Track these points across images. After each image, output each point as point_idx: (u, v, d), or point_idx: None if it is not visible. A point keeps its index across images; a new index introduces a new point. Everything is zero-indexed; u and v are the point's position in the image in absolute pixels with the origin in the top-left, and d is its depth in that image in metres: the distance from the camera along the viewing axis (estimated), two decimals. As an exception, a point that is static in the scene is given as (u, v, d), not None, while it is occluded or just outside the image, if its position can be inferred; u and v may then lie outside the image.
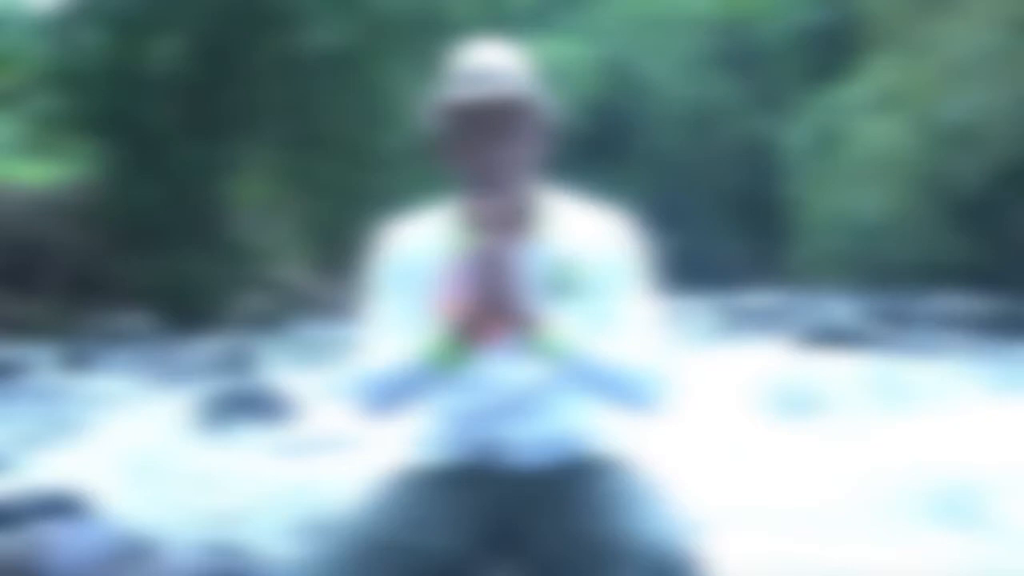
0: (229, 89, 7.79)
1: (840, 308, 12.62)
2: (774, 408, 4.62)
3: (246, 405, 4.01)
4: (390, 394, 1.54)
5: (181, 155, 7.19)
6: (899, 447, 3.68)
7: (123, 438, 3.67)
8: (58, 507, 2.56)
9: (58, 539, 2.09)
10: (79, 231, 7.92)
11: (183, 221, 7.40)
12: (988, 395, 4.87)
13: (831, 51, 16.67)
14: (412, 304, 1.61)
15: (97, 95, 6.92)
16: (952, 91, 10.02)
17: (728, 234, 23.37)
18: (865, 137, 12.63)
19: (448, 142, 1.58)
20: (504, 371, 1.56)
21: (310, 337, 8.66)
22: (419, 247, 1.63)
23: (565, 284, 1.57)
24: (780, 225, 18.14)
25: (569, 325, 1.49)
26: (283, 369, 5.59)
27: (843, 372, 5.51)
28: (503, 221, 1.45)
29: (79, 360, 5.45)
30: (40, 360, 5.62)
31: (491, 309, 1.45)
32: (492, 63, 1.53)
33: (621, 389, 1.50)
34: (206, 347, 5.33)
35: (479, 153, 1.51)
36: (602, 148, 22.03)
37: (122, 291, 7.28)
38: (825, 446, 3.74)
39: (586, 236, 1.60)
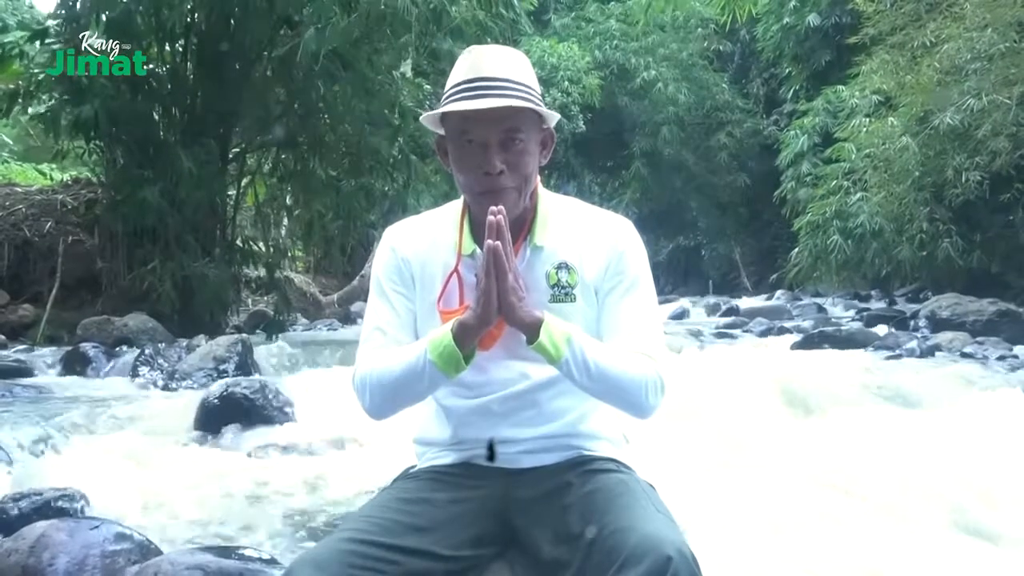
0: (228, 89, 7.77)
1: (840, 309, 12.65)
2: (774, 408, 4.62)
3: (244, 405, 4.01)
4: (390, 393, 1.54)
5: (180, 155, 7.18)
6: (899, 447, 3.68)
7: (122, 438, 3.66)
8: (58, 507, 2.56)
9: (57, 538, 2.09)
10: (79, 231, 7.92)
11: (183, 221, 7.38)
12: (988, 395, 4.87)
13: (828, 51, 16.67)
14: (412, 305, 1.62)
15: (97, 95, 6.90)
16: (952, 91, 10.02)
17: (728, 234, 23.36)
18: (862, 138, 12.63)
19: (449, 146, 1.58)
20: (504, 370, 1.57)
21: (308, 337, 8.66)
22: (420, 249, 1.63)
23: (565, 285, 1.58)
24: (778, 225, 18.14)
25: (569, 326, 1.49)
26: (281, 369, 5.58)
27: (843, 372, 5.52)
28: (505, 224, 1.45)
29: (79, 360, 5.45)
30: (39, 361, 5.62)
31: (490, 309, 1.45)
32: (492, 73, 1.53)
33: (621, 389, 1.51)
34: (206, 347, 5.32)
35: (480, 155, 1.52)
36: (602, 148, 22.03)
37: (122, 291, 7.28)
38: (825, 446, 3.74)
39: (586, 237, 1.60)
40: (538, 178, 1.63)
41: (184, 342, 5.91)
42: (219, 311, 7.83)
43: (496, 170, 1.50)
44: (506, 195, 1.52)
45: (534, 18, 18.33)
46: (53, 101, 7.31)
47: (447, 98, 1.54)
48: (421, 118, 1.61)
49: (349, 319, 10.77)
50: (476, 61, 1.55)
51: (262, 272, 9.04)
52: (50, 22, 7.52)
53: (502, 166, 1.51)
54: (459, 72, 1.55)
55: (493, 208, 1.44)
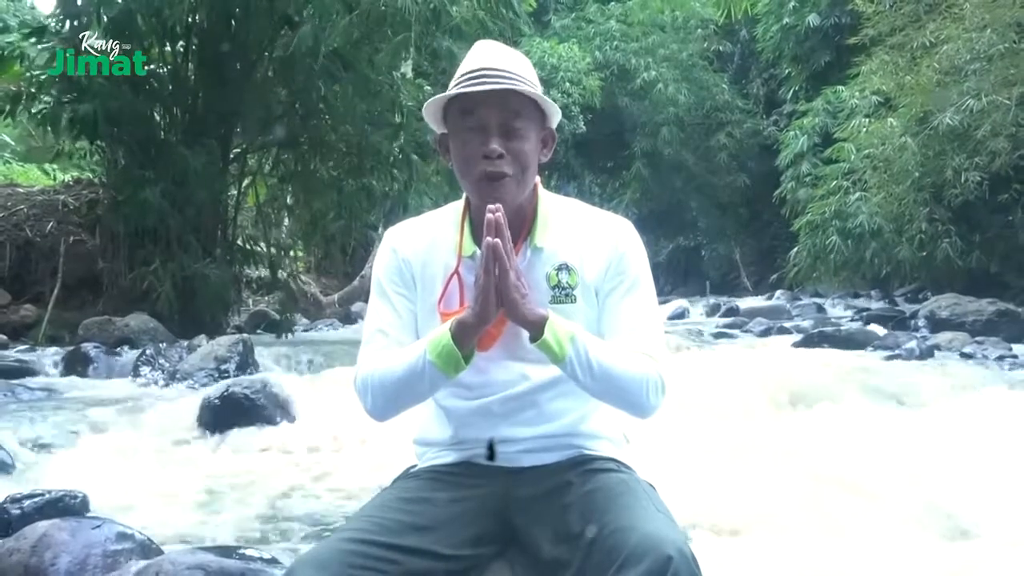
0: (229, 89, 7.78)
1: (839, 309, 12.66)
2: (774, 408, 4.63)
3: (245, 404, 4.02)
4: (391, 394, 1.55)
5: (181, 155, 7.18)
6: (899, 447, 3.69)
7: (123, 438, 3.67)
8: (60, 507, 2.57)
9: (58, 538, 2.09)
10: (80, 231, 7.92)
11: (185, 222, 7.38)
12: (987, 395, 4.88)
13: (828, 52, 16.68)
14: (413, 306, 1.63)
15: (97, 95, 6.91)
16: (951, 92, 10.03)
17: (728, 234, 23.37)
18: (862, 138, 12.64)
19: (451, 138, 1.59)
20: (504, 372, 1.57)
21: (309, 337, 8.67)
22: (420, 249, 1.64)
23: (566, 286, 1.58)
24: (777, 226, 18.14)
25: (572, 325, 1.50)
26: (282, 369, 5.59)
27: (842, 372, 5.52)
28: (504, 222, 1.46)
29: (80, 361, 5.46)
30: (41, 361, 5.63)
31: (489, 307, 1.46)
32: (495, 64, 1.54)
33: (622, 389, 1.51)
34: (207, 347, 5.33)
35: (480, 140, 1.53)
36: (602, 149, 22.03)
37: (123, 292, 7.28)
38: (824, 446, 3.75)
39: (587, 238, 1.61)
40: (538, 179, 1.64)
41: (185, 342, 5.91)
42: (220, 311, 7.83)
43: (495, 153, 1.51)
44: (505, 183, 1.52)
45: (534, 19, 18.31)
46: (52, 100, 7.29)
47: (448, 93, 1.56)
48: (425, 107, 1.61)
49: (350, 319, 10.77)
50: (480, 55, 1.57)
51: (263, 272, 9.04)
52: (50, 21, 7.51)
53: (501, 150, 1.51)
54: (465, 65, 1.57)
55: (491, 206, 1.45)
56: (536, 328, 1.47)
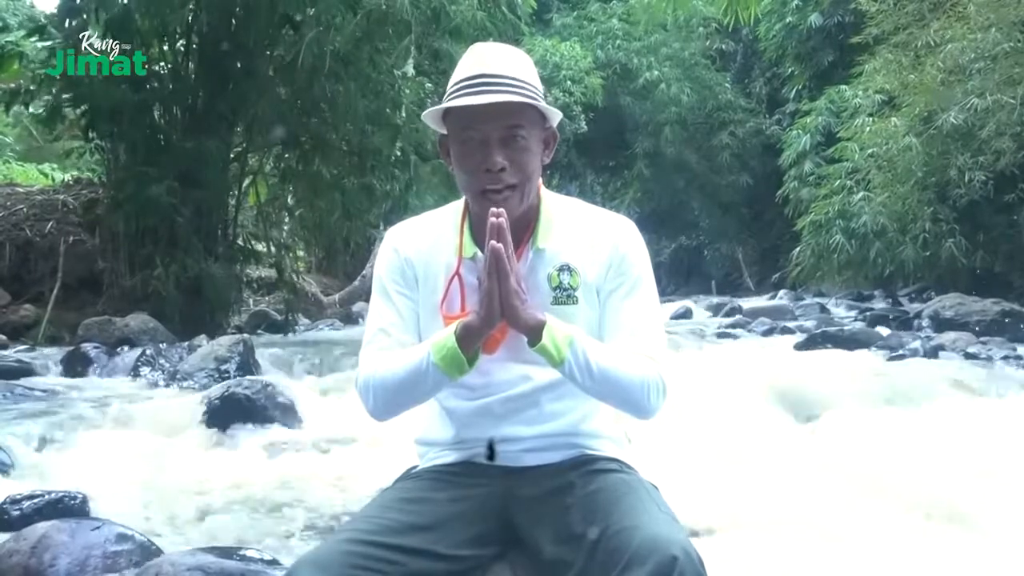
0: (229, 89, 7.77)
1: (842, 309, 12.64)
2: (777, 408, 4.61)
3: (246, 405, 4.00)
4: (392, 395, 1.54)
5: (181, 155, 7.18)
6: (902, 447, 3.67)
7: (123, 438, 3.66)
8: (58, 508, 2.56)
9: (58, 539, 2.08)
10: (80, 231, 7.91)
11: (186, 221, 7.37)
12: (991, 395, 4.87)
13: (831, 51, 16.66)
14: (414, 306, 1.62)
15: (97, 95, 6.90)
16: (956, 91, 10.01)
17: (728, 234, 23.35)
18: (865, 137, 12.62)
19: (451, 144, 1.57)
20: (505, 372, 1.56)
21: (310, 337, 8.66)
22: (422, 249, 1.63)
23: (567, 287, 1.57)
24: (780, 225, 18.13)
25: (571, 328, 1.49)
26: (283, 369, 5.58)
27: (846, 372, 5.51)
28: (507, 225, 1.44)
29: (80, 361, 5.45)
30: (41, 361, 5.62)
31: (493, 311, 1.45)
32: (493, 70, 1.52)
33: (623, 391, 1.50)
34: (208, 347, 5.32)
35: (481, 152, 1.51)
36: (604, 148, 22.02)
37: (123, 292, 7.27)
38: (825, 446, 3.74)
39: (588, 239, 1.60)
40: (540, 175, 1.62)
41: (185, 342, 5.90)
42: (221, 311, 7.82)
43: (497, 167, 1.50)
44: (507, 197, 1.51)
45: (536, 17, 18.29)
46: (51, 98, 7.28)
47: (450, 95, 1.53)
48: (424, 115, 1.60)
49: (351, 319, 10.76)
50: (479, 58, 1.54)
51: (264, 272, 9.03)
52: (49, 20, 7.51)
53: (504, 163, 1.50)
54: (462, 69, 1.54)
55: (494, 210, 1.44)
56: (535, 333, 1.45)
